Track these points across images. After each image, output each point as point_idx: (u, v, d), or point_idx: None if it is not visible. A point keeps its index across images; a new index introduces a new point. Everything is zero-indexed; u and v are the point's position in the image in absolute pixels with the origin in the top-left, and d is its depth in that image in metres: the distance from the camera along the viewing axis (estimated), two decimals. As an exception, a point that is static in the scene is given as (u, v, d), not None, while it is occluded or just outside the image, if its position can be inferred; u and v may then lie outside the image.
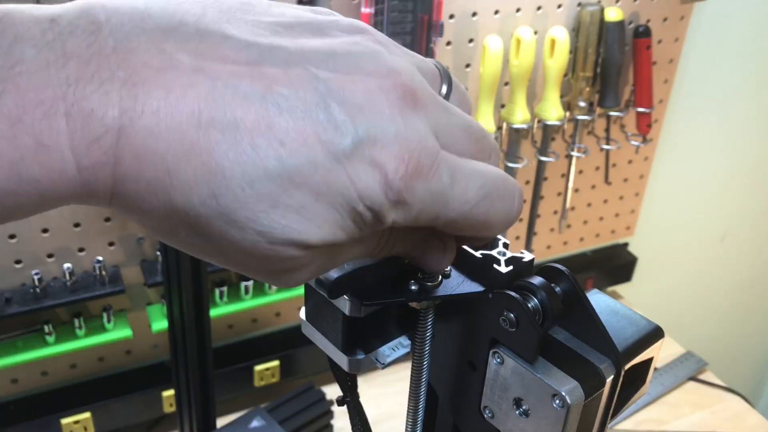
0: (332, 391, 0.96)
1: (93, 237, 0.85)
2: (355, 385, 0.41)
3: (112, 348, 0.93)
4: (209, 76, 0.24)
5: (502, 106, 0.99)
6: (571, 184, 1.10)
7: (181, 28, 0.25)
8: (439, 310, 0.36)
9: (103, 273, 0.84)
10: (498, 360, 0.35)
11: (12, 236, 0.81)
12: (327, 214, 0.25)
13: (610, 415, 0.35)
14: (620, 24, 0.98)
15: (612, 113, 1.04)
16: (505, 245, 0.36)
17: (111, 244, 0.86)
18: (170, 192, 0.24)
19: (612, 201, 1.21)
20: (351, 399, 0.41)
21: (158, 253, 0.87)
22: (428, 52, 0.86)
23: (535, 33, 0.93)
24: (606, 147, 1.08)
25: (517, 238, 1.14)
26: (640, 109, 1.04)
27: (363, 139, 0.25)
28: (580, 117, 1.01)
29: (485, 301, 0.35)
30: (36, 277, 0.81)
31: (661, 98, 1.13)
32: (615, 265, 1.26)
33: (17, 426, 0.88)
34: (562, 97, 0.99)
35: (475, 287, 0.35)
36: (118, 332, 0.88)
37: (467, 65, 0.95)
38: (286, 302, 0.99)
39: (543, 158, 1.03)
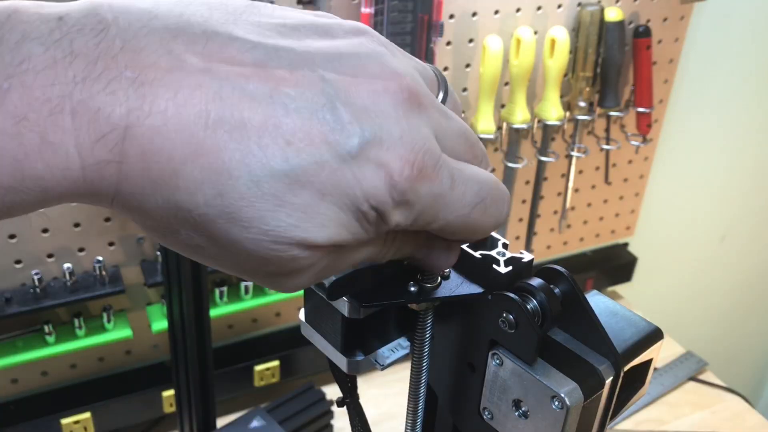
0: (332, 391, 0.96)
1: (93, 237, 0.85)
2: (354, 386, 0.41)
3: (112, 348, 0.93)
4: (217, 77, 0.24)
5: (502, 106, 0.99)
6: (571, 184, 1.10)
7: (188, 29, 0.25)
8: (438, 311, 0.36)
9: (103, 273, 0.85)
10: (497, 361, 0.35)
11: (12, 236, 0.81)
12: (332, 214, 0.25)
13: (609, 417, 0.35)
14: (620, 24, 0.98)
15: (612, 113, 1.04)
16: (505, 245, 0.36)
17: (111, 244, 0.86)
18: (175, 192, 0.24)
19: (612, 201, 1.21)
20: (351, 400, 0.41)
21: (158, 253, 0.87)
22: (428, 52, 0.86)
23: (535, 33, 0.93)
24: (606, 147, 1.08)
25: (517, 238, 1.14)
26: (640, 109, 1.04)
27: (369, 140, 0.25)
28: (580, 117, 1.01)
29: (484, 303, 0.35)
30: (36, 277, 0.81)
31: (661, 98, 1.13)
32: (615, 265, 1.26)
33: (17, 426, 0.88)
34: (562, 97, 0.99)
35: (474, 289, 0.35)
36: (118, 332, 0.88)
37: (467, 65, 0.95)
38: (286, 302, 0.99)
39: (543, 158, 1.03)
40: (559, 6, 0.97)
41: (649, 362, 0.36)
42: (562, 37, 0.93)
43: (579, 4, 0.98)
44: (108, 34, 0.24)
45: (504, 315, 0.33)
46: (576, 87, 1.00)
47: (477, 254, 0.35)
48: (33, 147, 0.23)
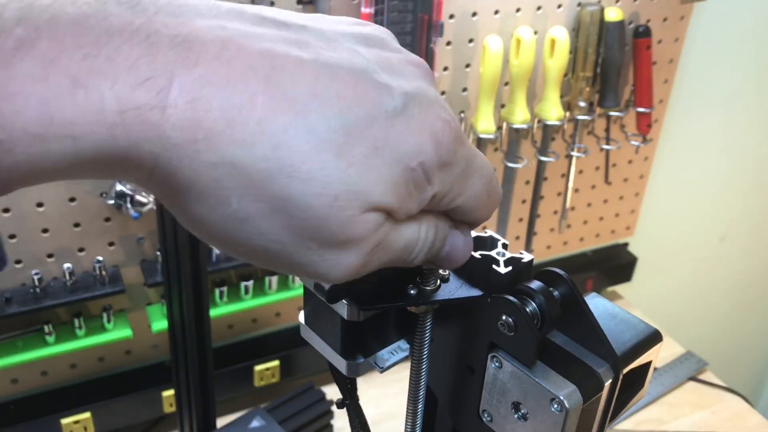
0: (332, 392, 0.96)
1: (93, 237, 0.85)
2: (354, 388, 0.41)
3: (112, 348, 0.93)
4: (261, 38, 0.25)
5: (502, 106, 0.99)
6: (571, 184, 1.10)
7: (222, 7, 0.25)
8: (437, 314, 0.36)
9: (103, 273, 0.85)
10: (496, 364, 0.35)
11: (12, 236, 0.81)
12: (386, 170, 0.26)
13: (608, 419, 0.35)
14: (620, 24, 0.98)
15: (612, 113, 1.04)
16: (505, 246, 0.36)
17: (111, 244, 0.86)
18: (231, 144, 0.23)
19: (612, 201, 1.21)
20: (351, 402, 0.41)
21: (158, 253, 0.87)
22: (428, 52, 0.86)
23: (535, 33, 0.93)
24: (606, 147, 1.08)
25: (517, 238, 1.14)
26: (640, 109, 1.04)
27: (412, 99, 0.27)
28: (580, 117, 1.01)
29: (483, 306, 0.35)
30: (36, 277, 0.81)
31: (661, 98, 1.13)
32: (615, 265, 1.26)
33: (17, 426, 0.88)
34: (562, 97, 0.99)
35: (473, 292, 0.35)
36: (118, 332, 0.88)
37: (467, 65, 0.95)
38: (286, 302, 0.99)
39: (543, 158, 1.03)
40: (559, 6, 0.97)
41: (648, 364, 0.36)
42: (562, 37, 0.93)
43: (579, 4, 0.98)
44: (142, 1, 0.23)
45: (503, 318, 0.33)
46: (576, 87, 1.00)
47: (477, 254, 0.35)
48: (63, 90, 0.21)
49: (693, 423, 1.06)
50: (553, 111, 0.97)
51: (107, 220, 0.85)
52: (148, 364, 0.97)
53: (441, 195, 0.28)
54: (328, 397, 0.94)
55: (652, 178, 1.24)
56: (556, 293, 0.34)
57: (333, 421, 0.94)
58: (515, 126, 0.97)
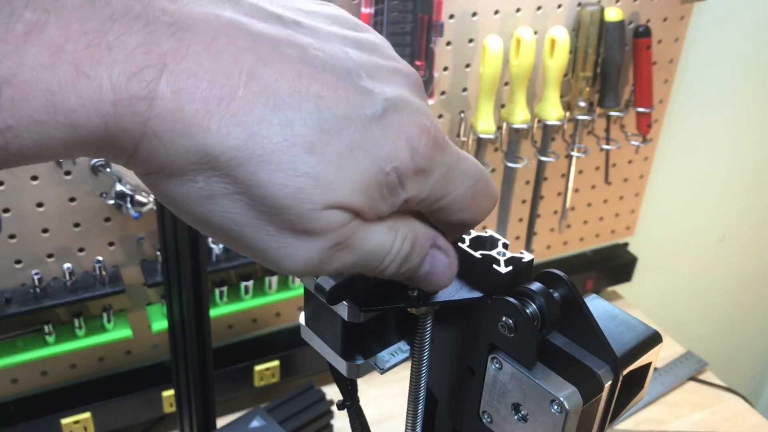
0: (332, 392, 0.96)
1: (93, 237, 0.85)
2: (355, 389, 0.41)
3: (112, 348, 0.93)
4: (251, 32, 0.25)
5: (502, 106, 0.99)
6: (571, 184, 1.10)
7: None
8: (438, 315, 0.36)
9: (103, 273, 0.85)
10: (497, 365, 0.35)
11: (12, 236, 0.81)
12: (358, 171, 0.26)
13: (608, 420, 0.35)
14: (620, 24, 0.98)
15: (612, 113, 1.04)
16: (505, 245, 0.36)
17: (111, 244, 0.86)
18: (206, 133, 0.24)
19: (612, 201, 1.21)
20: (351, 403, 0.41)
21: (158, 253, 0.88)
22: (428, 52, 0.86)
23: (535, 33, 0.93)
24: (606, 147, 1.08)
25: (517, 238, 1.14)
26: (640, 109, 1.04)
27: (392, 105, 0.27)
28: (580, 117, 1.01)
29: (484, 307, 0.35)
30: (36, 277, 0.81)
31: (661, 98, 1.13)
32: (615, 265, 1.26)
33: (17, 426, 0.88)
34: (562, 97, 0.99)
35: (473, 293, 0.35)
36: (118, 332, 0.88)
37: (467, 65, 0.95)
38: (286, 302, 0.99)
39: (543, 158, 1.03)
40: (559, 6, 0.97)
41: (648, 366, 0.36)
42: (562, 37, 0.93)
43: (579, 4, 0.98)
44: None
45: (503, 319, 0.33)
46: (576, 87, 1.00)
47: (477, 254, 0.35)
48: (68, 79, 0.22)
49: (693, 423, 1.06)
50: (553, 111, 0.97)
51: (107, 220, 0.85)
52: (148, 364, 0.98)
53: (416, 199, 0.29)
54: (328, 397, 0.94)
55: (652, 178, 1.24)
56: (556, 295, 0.34)
57: (333, 422, 0.94)
58: (515, 126, 0.97)
